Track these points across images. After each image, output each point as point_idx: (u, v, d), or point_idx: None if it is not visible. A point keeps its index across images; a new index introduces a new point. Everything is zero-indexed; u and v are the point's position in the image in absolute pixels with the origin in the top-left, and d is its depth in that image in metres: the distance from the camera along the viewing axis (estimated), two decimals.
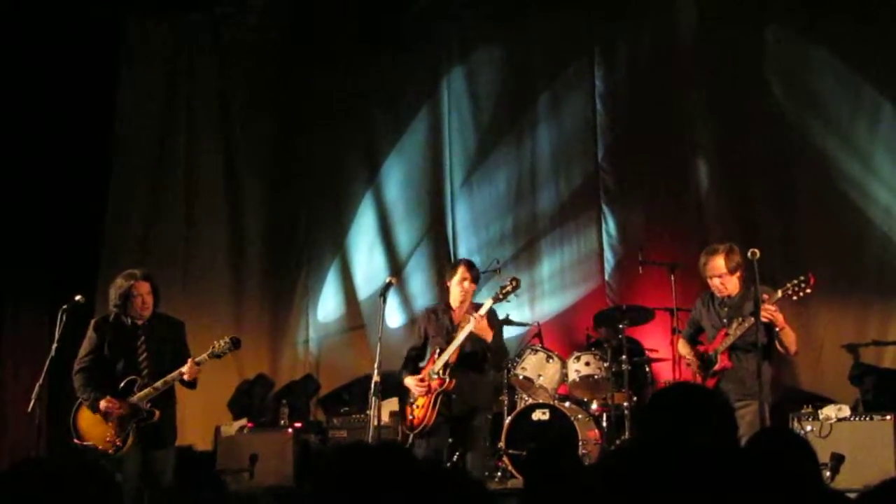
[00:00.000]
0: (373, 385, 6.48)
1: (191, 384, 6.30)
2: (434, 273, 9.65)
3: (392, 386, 7.39)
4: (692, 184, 9.07)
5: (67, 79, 9.33)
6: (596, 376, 7.95)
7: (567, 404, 7.87)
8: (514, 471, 7.61)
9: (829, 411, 7.18)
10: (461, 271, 6.58)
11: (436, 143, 9.87)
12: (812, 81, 8.74)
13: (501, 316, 8.13)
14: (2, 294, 9.17)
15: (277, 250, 10.15)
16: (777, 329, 6.07)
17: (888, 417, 7.03)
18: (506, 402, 8.08)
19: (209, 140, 10.20)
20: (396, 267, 9.67)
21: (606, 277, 9.25)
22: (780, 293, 6.06)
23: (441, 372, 6.39)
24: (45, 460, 2.76)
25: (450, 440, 6.75)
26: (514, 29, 9.72)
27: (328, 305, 10.01)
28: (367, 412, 7.22)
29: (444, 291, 7.03)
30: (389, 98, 10.01)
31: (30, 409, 6.31)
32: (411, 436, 6.46)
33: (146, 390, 6.15)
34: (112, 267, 9.66)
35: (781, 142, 8.77)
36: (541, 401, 7.87)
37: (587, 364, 7.97)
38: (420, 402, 6.44)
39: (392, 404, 8.26)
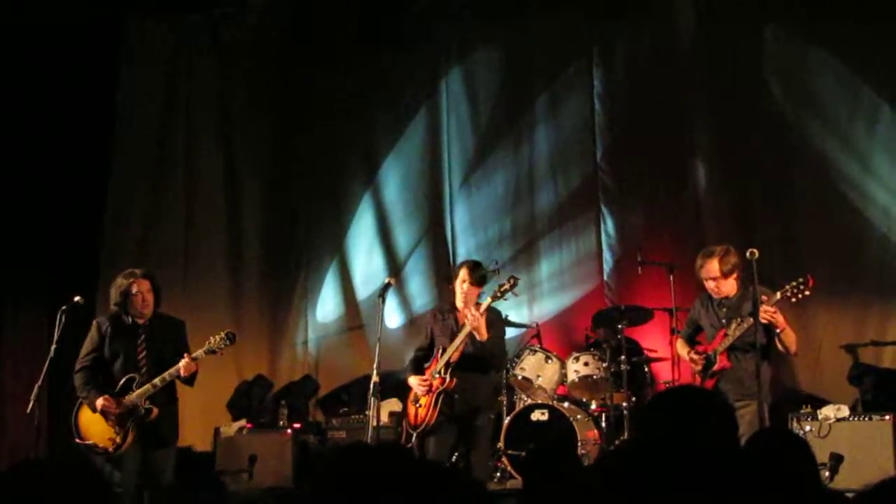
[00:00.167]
0: (372, 385, 6.48)
1: (188, 381, 6.29)
2: (433, 274, 9.65)
3: (391, 386, 7.40)
4: (691, 184, 9.07)
5: (67, 79, 9.33)
6: (595, 376, 7.95)
7: (566, 405, 7.87)
8: (513, 471, 7.61)
9: (828, 411, 7.18)
10: (462, 273, 6.61)
11: (435, 144, 9.87)
12: (811, 82, 8.74)
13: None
14: (1, 294, 9.17)
15: (276, 251, 10.15)
16: (778, 330, 6.07)
17: (887, 417, 7.03)
18: (505, 402, 8.08)
19: (208, 141, 10.21)
20: (395, 268, 9.67)
21: (605, 278, 9.25)
22: (778, 295, 6.07)
23: (442, 371, 6.41)
24: (43, 461, 2.76)
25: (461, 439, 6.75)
26: (512, 29, 9.72)
27: (327, 306, 10.01)
28: (367, 413, 7.22)
29: (442, 292, 7.04)
30: (388, 99, 10.01)
31: (29, 410, 6.32)
32: (414, 434, 6.48)
33: (143, 388, 6.15)
34: (111, 268, 9.66)
35: (780, 142, 8.77)
36: (540, 401, 7.87)
37: (586, 364, 7.97)
38: (423, 401, 6.48)
39: (391, 405, 8.27)
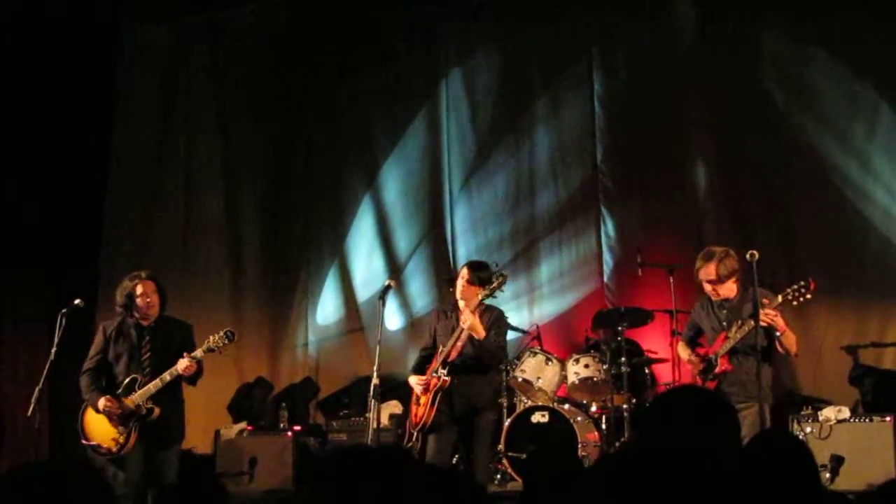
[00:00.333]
0: (372, 388, 6.49)
1: (191, 381, 6.33)
2: (433, 276, 9.65)
3: (391, 388, 7.39)
4: (691, 186, 9.07)
5: (66, 81, 9.34)
6: (595, 378, 7.95)
7: (566, 406, 7.87)
8: (513, 473, 7.60)
9: (828, 413, 7.18)
10: (463, 271, 6.65)
11: (435, 145, 9.86)
12: (811, 83, 8.74)
13: None
14: (1, 297, 9.17)
15: (276, 253, 10.14)
16: (778, 333, 6.07)
17: (888, 419, 7.03)
18: (505, 404, 8.07)
19: (207, 142, 10.22)
20: (395, 270, 9.66)
21: (605, 279, 9.24)
22: (780, 298, 6.06)
23: (440, 370, 6.42)
24: (44, 464, 2.76)
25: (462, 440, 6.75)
26: (512, 31, 9.71)
27: (327, 308, 10.01)
28: (367, 415, 7.22)
29: (442, 294, 7.05)
30: (388, 101, 10.00)
31: (29, 413, 6.32)
32: (415, 433, 6.50)
33: (145, 388, 6.19)
34: (111, 270, 9.70)
35: (780, 144, 8.77)
36: (540, 403, 7.86)
37: (586, 366, 7.97)
38: (422, 400, 6.50)
39: (391, 407, 8.27)
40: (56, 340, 6.35)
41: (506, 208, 9.60)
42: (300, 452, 8.39)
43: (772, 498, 2.45)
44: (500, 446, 7.68)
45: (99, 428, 6.25)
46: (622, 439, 7.86)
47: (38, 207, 9.29)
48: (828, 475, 6.57)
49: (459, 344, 6.44)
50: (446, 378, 6.39)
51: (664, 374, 8.28)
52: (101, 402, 6.17)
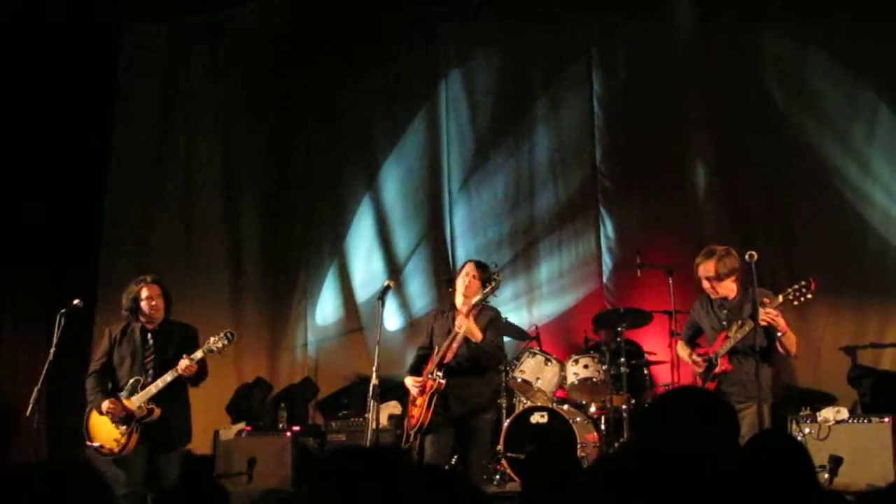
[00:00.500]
0: (371, 388, 6.49)
1: (192, 381, 6.36)
2: (432, 276, 9.65)
3: (391, 389, 7.39)
4: (690, 186, 9.07)
5: (66, 81, 9.34)
6: (594, 379, 7.95)
7: (566, 407, 7.87)
8: (512, 474, 7.60)
9: (827, 413, 7.19)
10: (466, 267, 6.63)
11: (434, 146, 9.86)
12: (810, 83, 8.74)
13: None
14: (0, 298, 9.17)
15: (276, 253, 10.15)
16: (779, 333, 6.06)
17: (886, 420, 7.03)
18: (504, 404, 8.07)
19: (207, 142, 10.23)
20: (395, 270, 9.67)
21: (604, 280, 9.24)
22: (781, 298, 6.06)
23: (435, 372, 6.40)
24: (42, 464, 2.76)
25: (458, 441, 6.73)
26: (511, 31, 9.72)
27: (326, 309, 10.01)
28: (366, 415, 7.21)
29: (442, 294, 7.03)
30: (388, 101, 10.01)
31: (28, 413, 6.33)
32: (412, 434, 6.49)
33: (146, 390, 6.25)
34: (110, 270, 9.72)
35: (779, 144, 8.77)
36: (539, 403, 7.86)
37: (585, 367, 7.97)
38: (418, 401, 6.49)
39: (391, 407, 8.27)
40: (55, 340, 6.36)
41: (505, 209, 9.60)
42: (299, 453, 8.39)
43: (769, 498, 2.45)
44: (500, 447, 7.69)
45: (102, 429, 6.31)
46: (621, 440, 7.86)
47: (38, 207, 9.30)
48: (826, 476, 6.57)
49: (455, 346, 6.42)
50: (442, 380, 6.37)
51: (663, 375, 8.28)
52: (105, 405, 6.24)
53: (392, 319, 9.45)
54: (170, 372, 6.22)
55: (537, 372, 7.98)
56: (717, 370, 6.26)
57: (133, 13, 10.02)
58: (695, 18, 9.11)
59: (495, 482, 7.81)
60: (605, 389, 8.01)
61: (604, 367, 7.94)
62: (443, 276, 9.24)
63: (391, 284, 7.05)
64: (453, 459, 7.07)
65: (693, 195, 9.05)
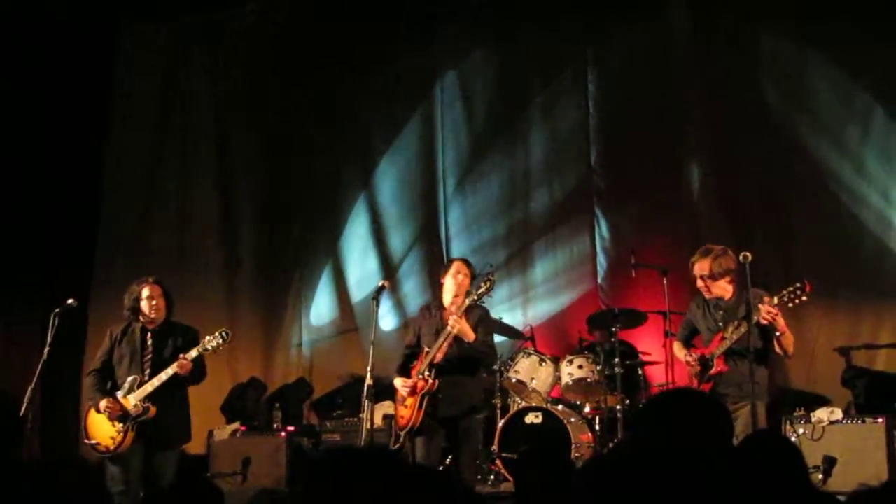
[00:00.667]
0: (366, 388, 6.47)
1: (192, 380, 6.38)
2: (427, 276, 9.65)
3: (385, 389, 7.38)
4: (685, 187, 9.08)
5: (64, 80, 9.34)
6: (589, 379, 7.95)
7: (560, 407, 7.88)
8: (506, 474, 7.60)
9: (821, 414, 7.19)
10: (456, 265, 6.60)
11: (430, 146, 9.87)
12: (806, 84, 8.75)
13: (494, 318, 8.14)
14: None
15: (271, 253, 10.14)
16: (778, 333, 6.05)
17: (880, 420, 7.04)
18: (499, 405, 8.08)
19: (204, 143, 10.23)
20: (389, 270, 9.67)
21: (599, 280, 9.25)
22: (776, 300, 6.06)
23: (426, 372, 6.37)
24: (36, 464, 2.76)
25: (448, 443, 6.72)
26: (507, 32, 9.72)
27: (321, 309, 10.01)
28: (361, 415, 7.19)
29: (437, 295, 7.01)
30: (385, 101, 10.01)
31: (22, 413, 6.31)
32: (402, 435, 6.46)
33: (142, 388, 6.26)
34: (106, 270, 9.70)
35: (774, 146, 8.77)
36: (534, 404, 7.86)
37: (580, 367, 7.98)
38: (408, 402, 6.44)
39: (385, 408, 8.25)
40: (49, 340, 6.36)
41: (500, 209, 9.61)
42: (294, 453, 8.38)
43: (762, 498, 2.46)
44: (494, 447, 7.69)
45: (99, 427, 6.34)
46: (615, 440, 7.86)
47: (34, 207, 9.29)
48: (820, 476, 6.57)
49: (445, 346, 6.39)
50: (433, 381, 6.34)
51: (658, 376, 8.29)
52: (103, 404, 6.28)
53: (387, 319, 9.45)
54: (165, 371, 6.23)
55: (532, 372, 7.98)
56: (712, 371, 6.26)
57: (132, 13, 10.01)
58: (690, 19, 9.12)
59: (490, 482, 7.81)
60: (600, 390, 8.01)
61: (598, 368, 7.95)
62: (437, 277, 9.22)
63: (386, 285, 7.04)
64: (446, 460, 7.07)
65: (688, 196, 9.06)
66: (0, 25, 8.95)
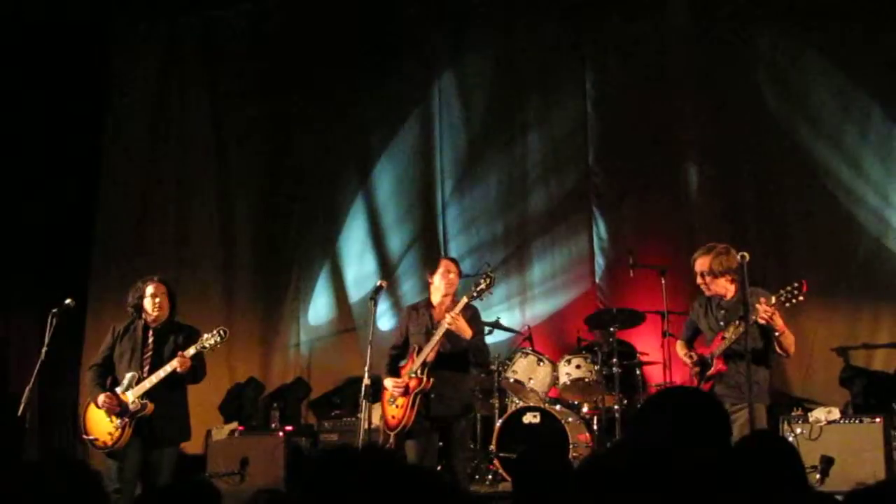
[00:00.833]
0: (363, 388, 6.46)
1: (192, 379, 6.40)
2: (425, 276, 9.63)
3: (382, 389, 7.37)
4: (683, 187, 9.08)
5: (60, 81, 9.34)
6: (587, 379, 7.96)
7: (558, 407, 7.88)
8: (504, 474, 7.60)
9: (818, 414, 7.19)
10: (445, 264, 6.58)
11: (427, 146, 9.87)
12: (803, 85, 8.76)
13: (492, 318, 8.15)
14: None
15: (269, 253, 10.14)
16: (777, 333, 6.05)
17: (878, 420, 7.05)
18: (496, 405, 8.08)
19: (201, 143, 10.21)
20: (387, 270, 9.66)
21: (597, 280, 9.26)
22: (773, 299, 6.05)
23: (419, 371, 6.34)
24: (33, 464, 2.76)
25: (440, 443, 6.70)
26: (504, 32, 9.73)
27: (319, 309, 10.00)
28: (358, 415, 7.20)
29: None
30: (381, 101, 10.00)
31: (20, 413, 6.32)
32: (392, 436, 6.40)
33: (140, 384, 6.27)
34: (103, 270, 9.70)
35: (772, 146, 8.79)
36: (532, 404, 7.87)
37: (578, 367, 7.98)
38: (399, 401, 6.39)
39: None
40: (47, 340, 6.36)
41: (498, 209, 9.61)
42: (291, 453, 8.38)
43: (759, 498, 2.46)
44: (492, 447, 7.69)
45: (98, 423, 6.35)
46: (613, 440, 7.86)
47: (33, 206, 9.28)
48: (818, 476, 6.58)
49: (437, 344, 6.35)
50: (427, 380, 6.30)
51: (656, 376, 8.29)
52: (101, 399, 6.29)
53: (384, 319, 9.45)
54: (164, 368, 6.25)
55: (530, 372, 7.98)
56: (711, 371, 6.25)
57: (129, 13, 10.01)
58: (688, 19, 9.12)
59: (488, 482, 7.82)
60: (598, 390, 8.02)
61: (596, 368, 7.95)
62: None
63: (383, 284, 7.02)
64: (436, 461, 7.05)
65: (686, 196, 9.07)
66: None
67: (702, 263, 6.26)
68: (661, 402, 2.94)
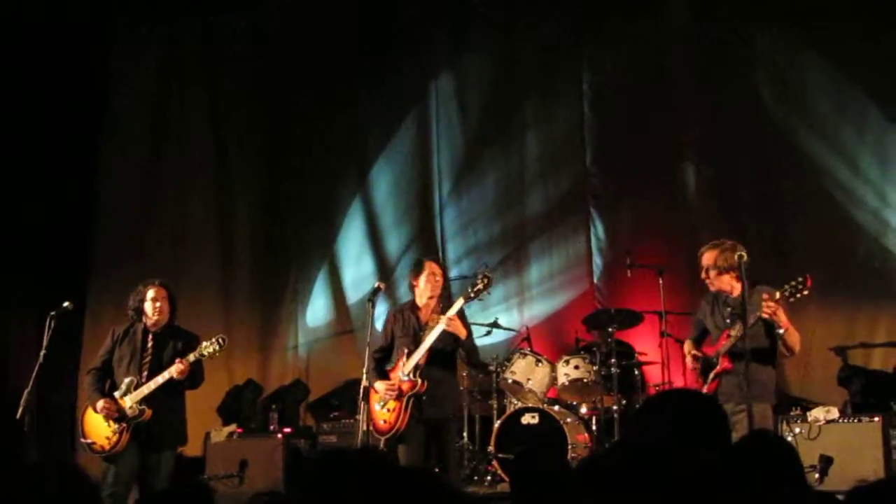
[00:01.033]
0: (361, 390, 6.43)
1: (190, 384, 6.39)
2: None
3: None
4: (680, 188, 9.09)
5: (59, 83, 9.33)
6: (585, 380, 7.95)
7: (556, 408, 7.87)
8: (503, 475, 7.60)
9: (817, 413, 7.19)
10: (430, 266, 6.52)
11: (425, 148, 9.87)
12: (801, 85, 8.77)
13: (490, 319, 8.15)
14: None
15: (267, 255, 10.14)
16: (780, 330, 6.03)
17: (876, 419, 7.05)
18: (495, 405, 8.08)
19: (200, 146, 10.22)
20: (385, 272, 9.66)
21: (595, 281, 9.26)
22: (777, 295, 6.04)
23: (412, 374, 6.29)
24: (31, 467, 2.75)
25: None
26: (502, 33, 9.73)
27: (317, 310, 10.00)
28: (357, 417, 7.19)
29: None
30: (379, 103, 10.00)
31: (18, 416, 6.31)
32: (382, 440, 6.34)
33: (139, 390, 6.26)
34: (103, 274, 9.69)
35: (770, 146, 8.79)
36: (530, 405, 7.86)
37: (576, 367, 7.97)
38: (391, 405, 6.34)
39: None
40: (45, 343, 6.35)
41: (496, 210, 9.61)
42: (290, 455, 8.38)
43: (758, 498, 2.46)
44: (491, 447, 7.69)
45: (96, 427, 6.34)
46: (612, 440, 7.86)
47: (31, 208, 9.27)
48: (816, 475, 6.58)
49: (429, 346, 6.31)
50: (421, 382, 6.25)
51: (654, 376, 8.29)
52: (100, 404, 6.27)
53: (382, 321, 9.41)
54: (162, 374, 6.23)
55: (528, 373, 7.98)
56: (717, 369, 6.23)
57: (127, 17, 10.01)
58: (687, 20, 9.12)
59: (486, 483, 7.81)
60: (596, 390, 8.02)
61: (595, 368, 7.95)
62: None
63: (381, 286, 6.98)
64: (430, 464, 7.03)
65: (684, 196, 9.07)
66: None
67: (707, 258, 6.25)
68: (659, 404, 2.94)
